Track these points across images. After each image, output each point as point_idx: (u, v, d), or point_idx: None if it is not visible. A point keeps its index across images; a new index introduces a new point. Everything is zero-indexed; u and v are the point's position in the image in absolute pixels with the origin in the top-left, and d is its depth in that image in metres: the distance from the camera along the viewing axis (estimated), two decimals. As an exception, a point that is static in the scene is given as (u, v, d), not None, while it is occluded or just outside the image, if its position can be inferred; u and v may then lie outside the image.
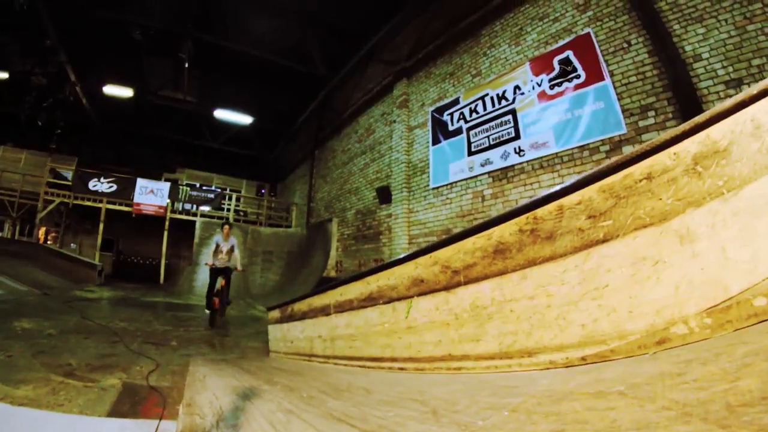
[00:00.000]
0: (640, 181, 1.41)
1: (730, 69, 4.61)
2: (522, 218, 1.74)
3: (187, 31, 10.78)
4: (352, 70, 11.85)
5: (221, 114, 15.14)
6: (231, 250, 7.39)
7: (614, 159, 1.48)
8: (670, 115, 5.06)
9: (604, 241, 1.48)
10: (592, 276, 1.49)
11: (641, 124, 5.33)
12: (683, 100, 4.94)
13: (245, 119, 15.46)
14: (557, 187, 1.64)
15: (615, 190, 1.47)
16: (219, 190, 18.67)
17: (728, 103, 1.23)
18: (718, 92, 4.66)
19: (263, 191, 22.43)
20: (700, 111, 4.98)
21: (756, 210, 1.17)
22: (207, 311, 7.22)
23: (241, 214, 17.08)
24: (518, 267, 1.74)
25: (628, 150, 5.41)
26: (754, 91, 1.18)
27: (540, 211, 1.67)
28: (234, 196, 16.80)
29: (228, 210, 16.04)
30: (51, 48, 11.42)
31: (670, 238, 1.33)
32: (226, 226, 7.45)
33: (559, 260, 1.60)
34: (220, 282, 7.20)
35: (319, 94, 13.27)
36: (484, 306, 1.87)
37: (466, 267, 1.98)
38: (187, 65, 11.59)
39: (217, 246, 7.27)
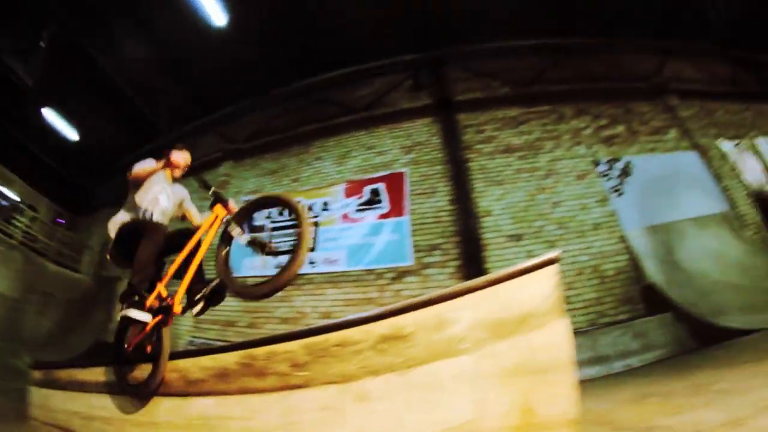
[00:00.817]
0: (335, 346, 1.74)
1: (515, 226, 5.67)
2: (243, 353, 2.06)
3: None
4: (192, 131, 10.87)
5: (50, 115, 12.13)
6: None
7: (318, 325, 1.85)
8: (454, 257, 5.66)
9: (301, 387, 1.83)
10: (290, 412, 1.84)
11: (426, 260, 5.79)
12: (467, 246, 5.60)
13: (72, 134, 12.67)
14: (270, 336, 2.02)
15: (314, 349, 1.79)
16: (16, 200, 14.05)
17: (420, 299, 1.62)
18: (499, 243, 5.57)
19: (61, 221, 17.40)
20: (480, 257, 5.64)
21: (427, 385, 1.55)
22: None
23: (30, 238, 12.76)
24: (237, 391, 2.07)
25: (410, 280, 5.67)
26: (444, 293, 1.58)
27: (256, 351, 2.00)
28: (31, 214, 12.74)
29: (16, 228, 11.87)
30: None
31: (351, 395, 1.67)
32: None
33: (266, 393, 1.95)
34: None
35: (152, 140, 11.74)
36: (208, 417, 2.16)
37: (199, 381, 2.26)
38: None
39: None
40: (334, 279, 6.17)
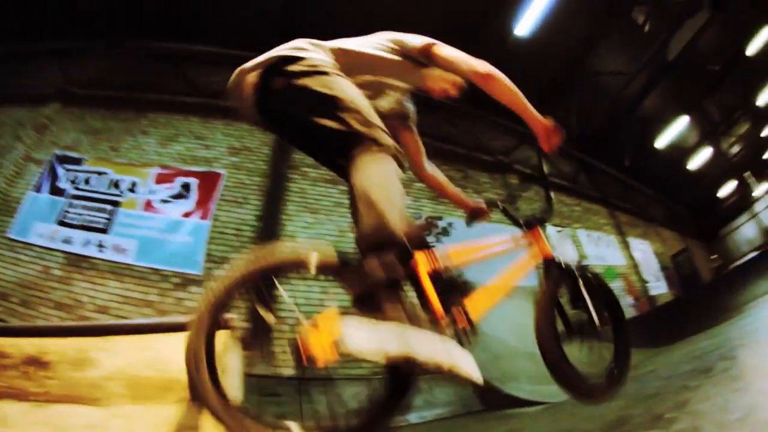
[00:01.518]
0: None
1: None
2: None
3: None
4: (30, 53, 9.46)
5: None
6: None
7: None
8: None
9: None
10: None
11: (216, 272, 5.55)
12: None
13: None
14: None
15: None
16: None
17: (62, 325, 1.63)
18: (294, 273, 5.74)
19: None
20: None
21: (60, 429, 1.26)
22: None
23: None
24: None
25: (194, 290, 5.48)
26: (87, 325, 1.50)
27: None
28: None
29: None
30: None
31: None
32: None
33: None
34: None
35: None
36: None
37: None
38: None
39: None
40: (119, 270, 5.85)
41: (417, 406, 4.74)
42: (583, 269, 2.01)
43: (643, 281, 12.98)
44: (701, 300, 9.00)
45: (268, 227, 5.95)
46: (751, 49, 12.61)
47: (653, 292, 13.12)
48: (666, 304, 12.92)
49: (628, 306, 11.41)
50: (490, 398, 4.93)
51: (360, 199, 1.33)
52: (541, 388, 4.77)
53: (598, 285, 2.02)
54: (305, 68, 1.47)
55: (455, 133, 9.77)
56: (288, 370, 4.88)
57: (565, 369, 1.73)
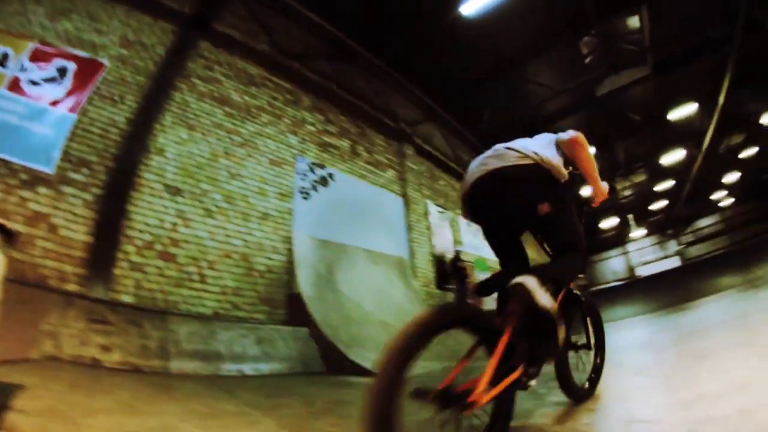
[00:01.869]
0: None
1: (180, 178, 5.24)
2: None
3: None
4: None
5: None
6: None
7: None
8: (99, 184, 4.93)
9: None
10: None
11: (70, 175, 4.89)
12: (118, 177, 5.00)
13: None
14: None
15: None
16: None
17: None
18: (153, 188, 5.05)
19: None
20: (127, 194, 4.86)
21: None
22: None
23: None
24: None
25: (42, 192, 4.73)
26: None
27: None
28: None
29: None
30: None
31: None
32: None
33: None
34: None
35: None
36: None
37: None
38: None
39: None
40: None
41: (254, 356, 4.45)
42: (588, 297, 2.40)
43: (513, 282, 14.20)
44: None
45: (138, 134, 5.25)
46: (672, 115, 13.87)
47: (520, 293, 14.40)
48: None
49: (492, 299, 12.31)
50: (334, 362, 4.80)
51: None
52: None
53: (594, 310, 2.42)
54: None
55: (366, 89, 9.47)
56: (125, 297, 4.50)
57: (570, 378, 2.10)
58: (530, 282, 1.52)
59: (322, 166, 7.23)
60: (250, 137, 6.23)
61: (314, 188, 6.87)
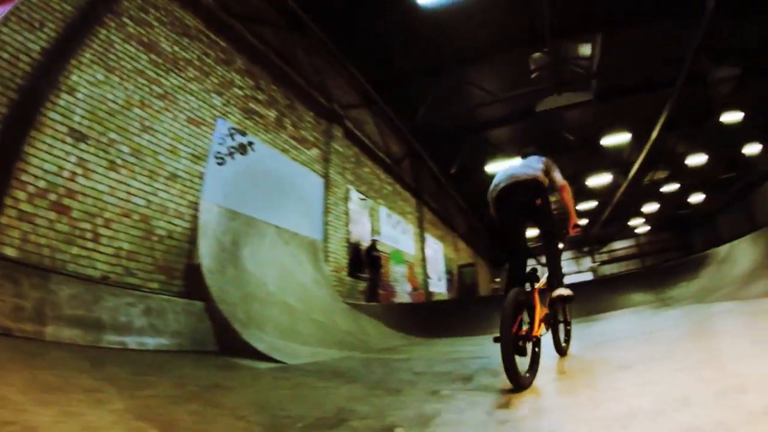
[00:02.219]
0: None
1: (87, 123, 4.80)
2: None
3: None
4: None
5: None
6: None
7: None
8: None
9: None
10: None
11: None
12: (13, 119, 4.37)
13: None
14: None
15: None
16: None
17: None
18: (55, 131, 4.55)
19: None
20: (23, 138, 4.25)
21: None
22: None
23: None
24: None
25: None
26: None
27: None
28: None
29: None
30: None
31: None
32: None
33: None
34: None
35: None
36: None
37: None
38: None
39: None
40: None
41: (140, 328, 4.08)
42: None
43: (426, 276, 14.83)
44: (472, 308, 10.06)
45: (51, 67, 4.71)
46: (605, 141, 14.86)
47: (432, 288, 15.07)
48: (444, 301, 14.92)
49: (405, 292, 12.88)
50: (227, 341, 4.48)
51: None
52: (283, 345, 4.61)
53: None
54: None
55: (306, 64, 9.39)
56: (8, 250, 3.91)
57: (559, 340, 3.49)
58: (560, 290, 2.92)
59: (243, 133, 7.01)
60: (172, 90, 5.89)
61: (231, 155, 6.62)
